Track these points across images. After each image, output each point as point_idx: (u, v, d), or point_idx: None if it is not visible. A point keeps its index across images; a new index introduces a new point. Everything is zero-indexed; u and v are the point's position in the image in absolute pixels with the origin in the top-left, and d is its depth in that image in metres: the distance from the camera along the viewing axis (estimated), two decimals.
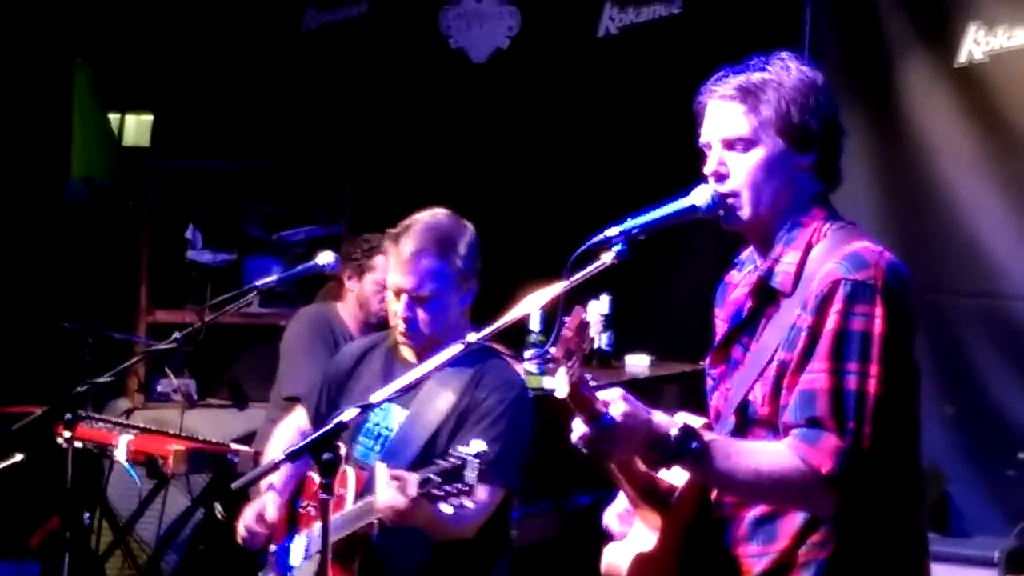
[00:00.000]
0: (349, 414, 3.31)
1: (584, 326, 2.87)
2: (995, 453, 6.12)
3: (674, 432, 2.95)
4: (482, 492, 4.04)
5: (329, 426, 3.29)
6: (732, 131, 3.12)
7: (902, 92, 6.40)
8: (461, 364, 4.22)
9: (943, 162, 6.29)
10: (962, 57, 6.24)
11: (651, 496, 3.16)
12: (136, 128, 8.64)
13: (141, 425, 6.10)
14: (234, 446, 5.92)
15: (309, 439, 3.30)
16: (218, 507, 6.41)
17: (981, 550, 5.57)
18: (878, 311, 2.97)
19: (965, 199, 6.24)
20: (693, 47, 6.91)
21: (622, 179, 6.91)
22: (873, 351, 2.96)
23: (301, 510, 4.54)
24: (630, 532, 3.25)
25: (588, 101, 7.41)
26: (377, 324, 6.56)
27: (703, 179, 3.16)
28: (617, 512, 3.35)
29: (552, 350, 2.86)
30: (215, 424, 6.94)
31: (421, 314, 4.34)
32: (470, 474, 3.70)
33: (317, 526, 4.16)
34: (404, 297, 4.36)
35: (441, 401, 4.33)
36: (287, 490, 4.57)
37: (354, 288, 6.41)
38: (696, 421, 3.11)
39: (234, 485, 3.67)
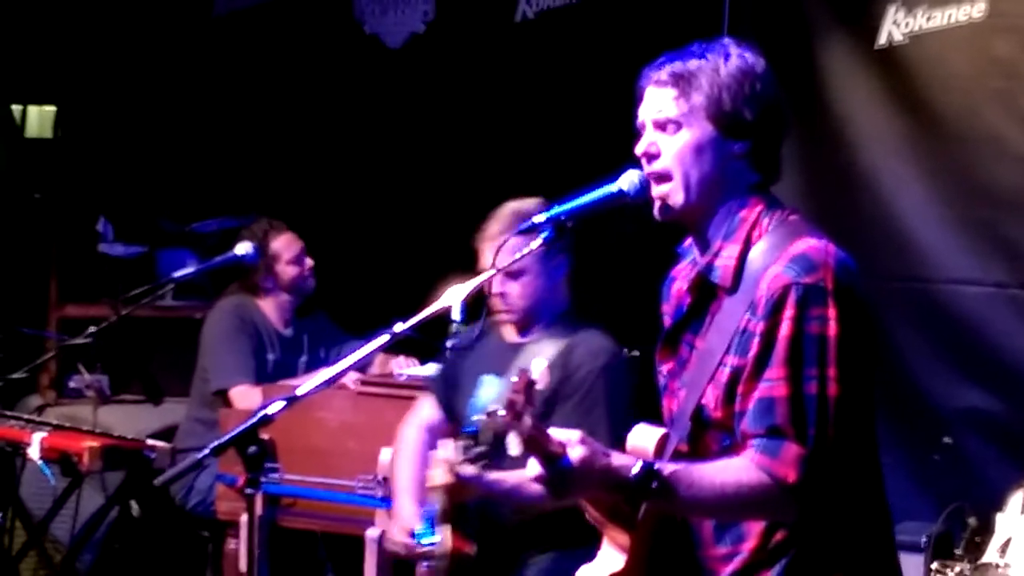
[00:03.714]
0: (275, 407, 3.22)
1: (530, 385, 2.84)
2: (921, 438, 6.11)
3: (634, 472, 2.89)
4: None
5: (254, 420, 3.20)
6: (662, 113, 3.09)
7: (823, 74, 6.38)
8: (558, 334, 4.77)
9: (865, 144, 6.28)
10: (882, 39, 6.22)
11: (617, 516, 3.13)
12: (39, 120, 8.49)
13: (54, 422, 6.00)
14: (150, 442, 5.83)
15: (235, 432, 3.21)
16: (133, 505, 6.35)
17: (907, 535, 5.54)
18: (831, 313, 2.93)
19: (887, 181, 6.23)
20: (611, 30, 6.85)
21: (544, 166, 6.86)
22: (830, 354, 2.92)
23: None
24: (599, 554, 3.23)
25: (507, 86, 7.34)
26: (305, 296, 6.51)
27: (630, 164, 3.13)
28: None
29: (501, 412, 2.81)
30: (130, 420, 6.88)
31: (513, 289, 4.77)
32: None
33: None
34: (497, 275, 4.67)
35: None
36: (420, 487, 4.88)
37: (271, 284, 6.42)
38: (654, 432, 3.09)
39: (156, 481, 3.64)
